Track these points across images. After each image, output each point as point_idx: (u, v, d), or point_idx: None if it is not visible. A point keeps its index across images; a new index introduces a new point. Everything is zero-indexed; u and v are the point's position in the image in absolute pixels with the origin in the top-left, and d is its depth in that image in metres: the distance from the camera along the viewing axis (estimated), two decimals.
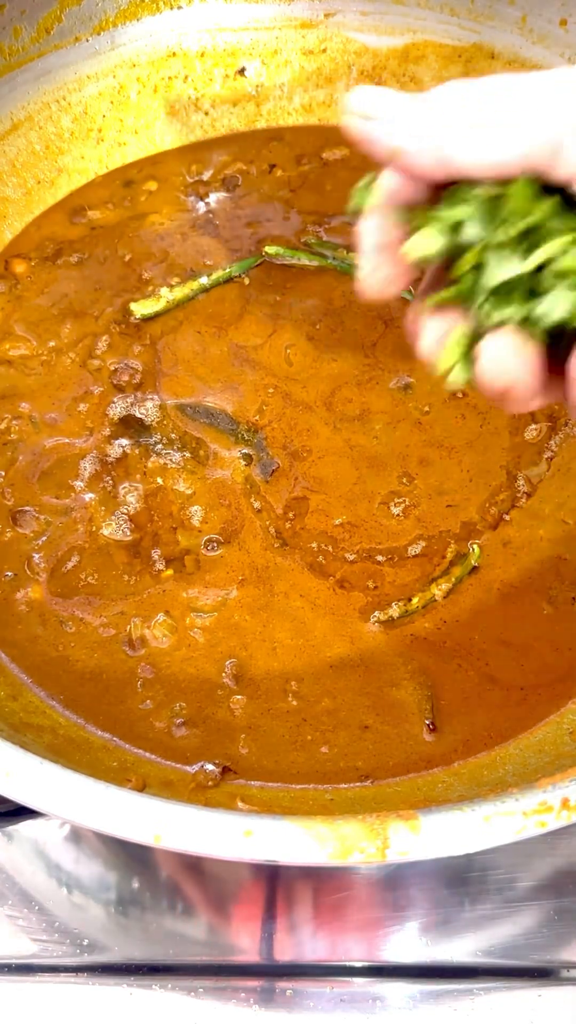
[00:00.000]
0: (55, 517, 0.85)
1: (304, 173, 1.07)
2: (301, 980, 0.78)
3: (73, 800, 0.53)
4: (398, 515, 0.85)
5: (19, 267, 0.99)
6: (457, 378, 0.51)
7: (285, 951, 0.79)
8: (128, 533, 0.84)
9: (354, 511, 0.85)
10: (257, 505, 0.86)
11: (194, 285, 0.98)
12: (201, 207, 1.04)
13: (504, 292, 0.48)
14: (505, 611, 0.81)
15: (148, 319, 0.96)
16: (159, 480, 0.86)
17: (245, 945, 0.80)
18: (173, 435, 0.88)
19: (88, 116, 1.04)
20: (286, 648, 0.79)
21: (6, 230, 1.01)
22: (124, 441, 0.88)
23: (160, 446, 0.88)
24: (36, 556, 0.83)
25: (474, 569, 0.82)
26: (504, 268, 0.47)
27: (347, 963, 0.79)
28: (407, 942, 0.80)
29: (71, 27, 0.99)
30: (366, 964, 0.79)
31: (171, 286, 0.97)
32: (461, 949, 0.79)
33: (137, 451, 0.88)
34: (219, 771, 0.73)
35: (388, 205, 0.50)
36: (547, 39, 1.00)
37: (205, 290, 0.98)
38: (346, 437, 0.89)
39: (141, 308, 0.95)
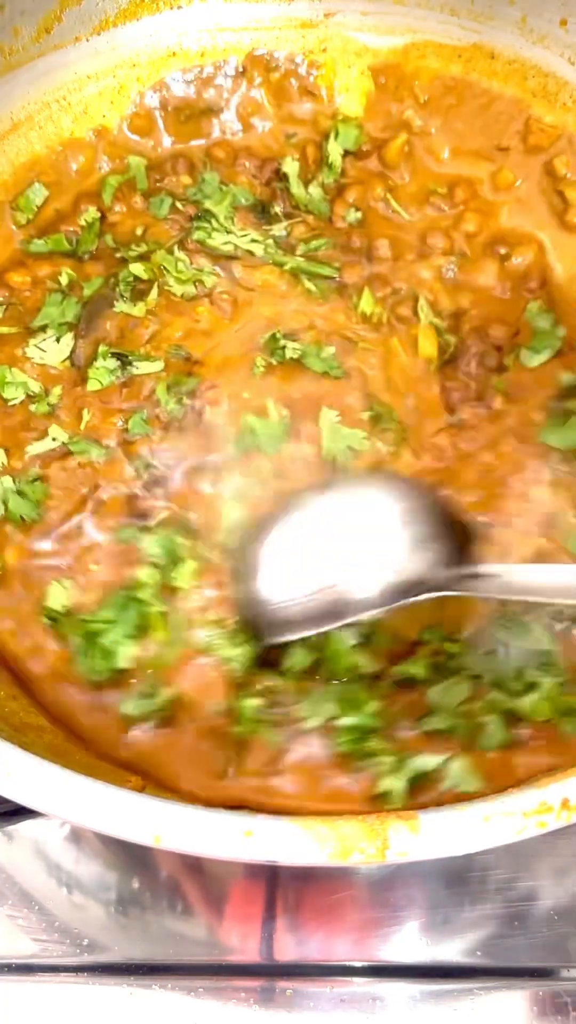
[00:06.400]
0: None
1: None
2: (301, 980, 0.78)
3: (73, 800, 0.53)
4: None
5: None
6: None
7: (285, 951, 0.79)
8: None
9: None
10: None
11: None
12: None
13: None
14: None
15: None
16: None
17: (245, 945, 0.80)
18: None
19: (88, 116, 1.04)
20: None
21: None
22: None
23: None
24: None
25: None
26: None
27: (347, 963, 0.79)
28: (407, 942, 0.80)
29: (71, 27, 0.99)
30: (366, 964, 0.79)
31: None
32: (461, 949, 0.79)
33: None
34: None
35: None
36: (547, 39, 1.00)
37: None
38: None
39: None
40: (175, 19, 1.05)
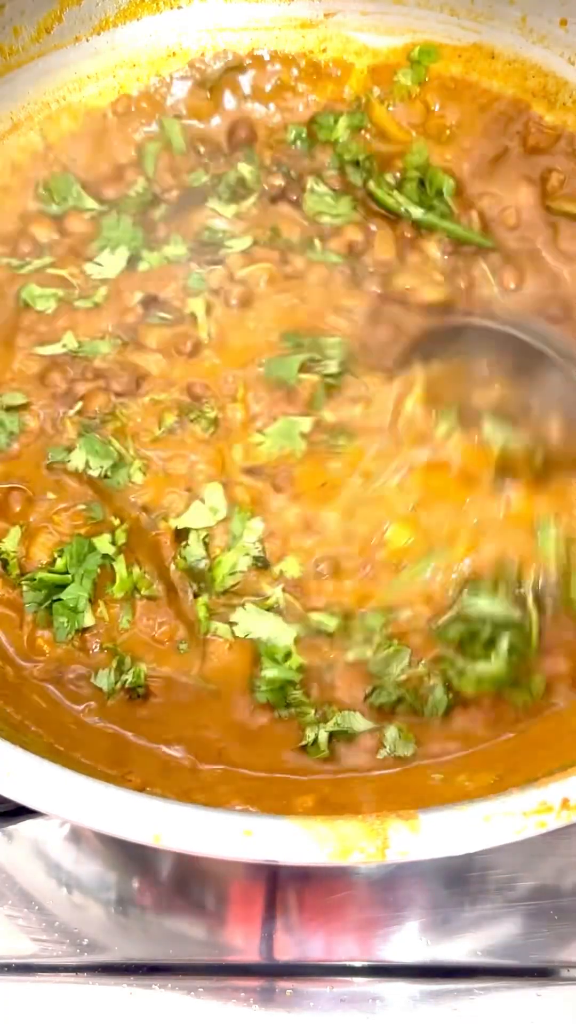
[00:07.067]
0: None
1: None
2: (301, 980, 0.78)
3: (73, 800, 0.53)
4: None
5: None
6: None
7: (285, 951, 0.79)
8: None
9: None
10: None
11: None
12: None
13: None
14: None
15: None
16: None
17: (245, 945, 0.80)
18: None
19: (88, 116, 1.04)
20: None
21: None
22: None
23: None
24: None
25: None
26: None
27: (347, 963, 0.79)
28: (407, 942, 0.80)
29: (71, 27, 0.99)
30: (366, 964, 0.79)
31: None
32: (461, 949, 0.79)
33: None
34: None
35: None
36: (547, 39, 1.00)
37: None
38: None
39: None
40: (175, 19, 1.05)
